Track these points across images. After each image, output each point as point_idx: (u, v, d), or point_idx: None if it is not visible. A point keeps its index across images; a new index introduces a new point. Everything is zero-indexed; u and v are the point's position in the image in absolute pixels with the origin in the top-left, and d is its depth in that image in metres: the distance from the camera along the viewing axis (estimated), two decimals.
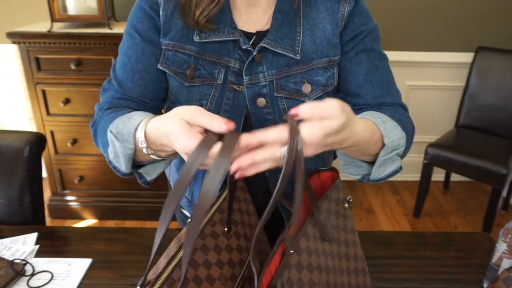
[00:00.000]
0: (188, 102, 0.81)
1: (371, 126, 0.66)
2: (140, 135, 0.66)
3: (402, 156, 0.74)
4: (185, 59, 0.79)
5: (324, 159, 0.92)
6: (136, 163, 0.74)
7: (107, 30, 1.97)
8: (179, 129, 0.56)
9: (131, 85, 0.80)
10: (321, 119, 0.52)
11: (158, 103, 0.84)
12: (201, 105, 0.81)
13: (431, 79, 2.53)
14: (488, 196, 2.12)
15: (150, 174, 0.76)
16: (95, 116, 0.81)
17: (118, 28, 2.01)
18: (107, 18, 1.98)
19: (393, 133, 0.68)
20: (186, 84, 0.80)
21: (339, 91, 0.86)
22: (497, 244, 0.75)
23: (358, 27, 0.80)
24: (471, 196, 2.66)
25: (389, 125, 0.69)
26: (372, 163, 0.72)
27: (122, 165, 0.71)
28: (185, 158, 0.57)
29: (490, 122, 2.30)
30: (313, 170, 0.72)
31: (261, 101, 0.80)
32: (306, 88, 0.80)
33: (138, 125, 0.67)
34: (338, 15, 0.79)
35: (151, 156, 0.68)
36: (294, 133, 0.50)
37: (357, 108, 0.82)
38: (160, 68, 0.80)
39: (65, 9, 2.00)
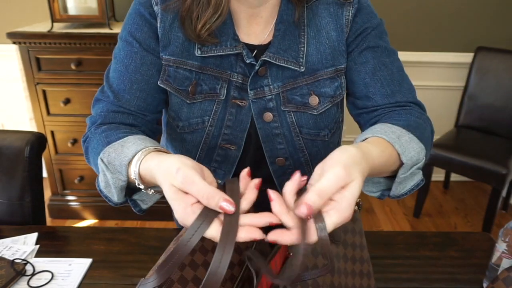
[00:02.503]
0: (189, 119, 0.78)
1: (386, 148, 0.60)
2: (134, 169, 0.58)
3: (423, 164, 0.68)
4: (187, 75, 0.75)
5: None
6: (131, 189, 0.67)
7: (107, 30, 1.97)
8: (171, 196, 0.49)
9: (128, 97, 0.75)
10: (340, 190, 0.47)
11: (157, 116, 0.80)
12: (203, 122, 0.78)
13: (431, 79, 2.53)
14: (488, 196, 2.12)
15: (145, 201, 0.68)
16: (87, 131, 0.75)
17: (118, 28, 2.01)
18: (107, 18, 1.98)
19: (410, 148, 0.62)
20: (188, 101, 0.76)
21: (347, 95, 0.82)
22: (496, 244, 0.75)
23: (360, 26, 0.76)
24: (471, 196, 2.66)
25: (405, 140, 0.62)
26: (390, 177, 0.66)
27: (114, 196, 0.64)
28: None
29: (490, 122, 2.30)
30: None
31: (268, 115, 0.77)
32: (313, 100, 0.77)
33: (133, 157, 0.59)
34: (343, 20, 0.76)
35: (147, 192, 0.61)
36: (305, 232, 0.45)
37: (368, 111, 0.78)
38: (161, 85, 0.75)
39: (65, 9, 2.00)
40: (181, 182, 0.48)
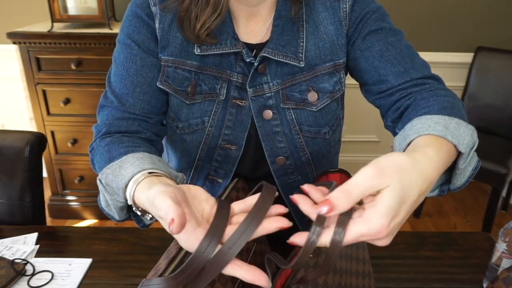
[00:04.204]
0: (188, 119, 0.78)
1: (441, 146, 0.52)
2: (130, 195, 0.57)
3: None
4: (186, 76, 0.75)
5: (332, 160, 0.90)
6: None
7: (107, 30, 1.97)
8: (168, 230, 0.47)
9: (132, 101, 0.74)
10: (373, 200, 0.42)
11: (162, 117, 0.79)
12: (203, 122, 0.78)
13: None
14: (488, 196, 2.12)
15: (150, 215, 0.64)
16: (93, 140, 0.75)
17: (118, 28, 2.01)
18: (107, 18, 1.98)
19: (463, 134, 0.55)
20: (187, 102, 0.76)
21: (361, 85, 0.81)
22: (496, 244, 0.75)
23: (359, 14, 0.75)
24: (471, 196, 2.66)
25: (453, 127, 0.55)
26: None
27: (115, 215, 0.64)
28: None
29: (490, 122, 2.30)
30: (321, 172, 0.72)
31: (268, 113, 0.77)
32: (312, 96, 0.77)
33: (129, 180, 0.57)
34: (340, 13, 0.75)
35: (144, 217, 0.60)
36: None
37: (385, 95, 0.75)
38: (160, 86, 0.75)
39: (65, 9, 2.00)
40: (156, 212, 0.47)
